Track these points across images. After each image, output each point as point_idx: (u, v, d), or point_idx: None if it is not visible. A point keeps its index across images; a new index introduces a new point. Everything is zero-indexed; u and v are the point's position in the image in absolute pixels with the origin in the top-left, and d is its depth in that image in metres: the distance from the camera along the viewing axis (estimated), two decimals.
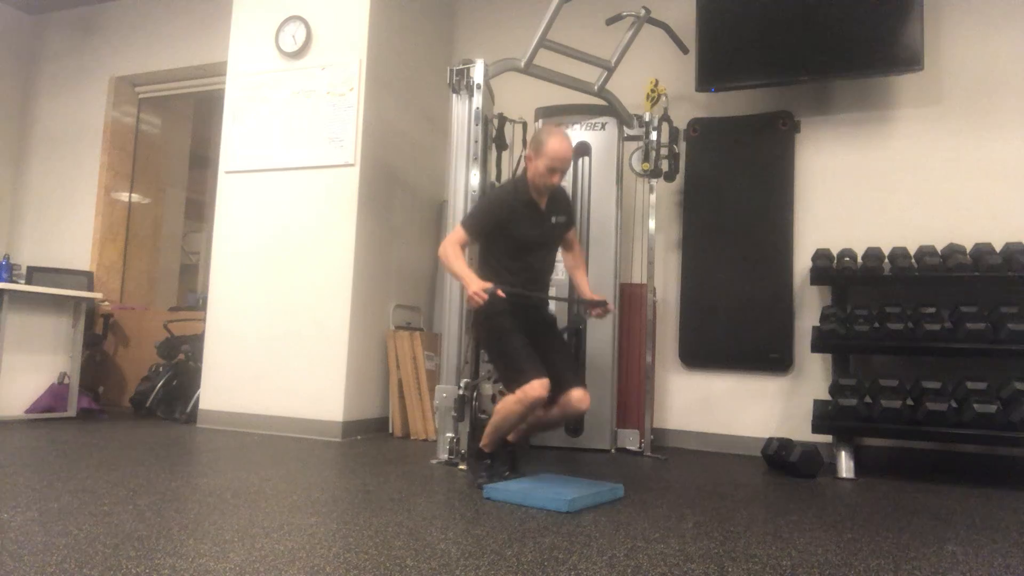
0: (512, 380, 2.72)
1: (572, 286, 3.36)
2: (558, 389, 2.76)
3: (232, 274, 4.42)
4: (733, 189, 4.29)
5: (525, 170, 2.92)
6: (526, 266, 2.91)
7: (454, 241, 2.87)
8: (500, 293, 2.69)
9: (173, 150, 6.52)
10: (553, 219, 2.96)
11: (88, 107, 5.90)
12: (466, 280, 2.74)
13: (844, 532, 2.26)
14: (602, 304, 2.99)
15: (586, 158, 4.11)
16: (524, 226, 2.87)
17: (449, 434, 3.24)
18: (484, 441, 2.87)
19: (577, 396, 2.77)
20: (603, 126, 4.08)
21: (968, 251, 3.58)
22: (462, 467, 3.16)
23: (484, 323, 2.88)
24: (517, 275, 2.87)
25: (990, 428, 3.16)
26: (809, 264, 3.91)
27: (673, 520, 2.33)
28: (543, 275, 3.02)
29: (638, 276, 4.30)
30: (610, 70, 3.93)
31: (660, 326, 4.29)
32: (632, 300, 4.12)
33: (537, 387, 2.63)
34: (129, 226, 6.01)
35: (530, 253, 2.91)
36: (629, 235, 4.38)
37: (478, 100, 3.43)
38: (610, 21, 3.96)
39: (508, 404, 2.72)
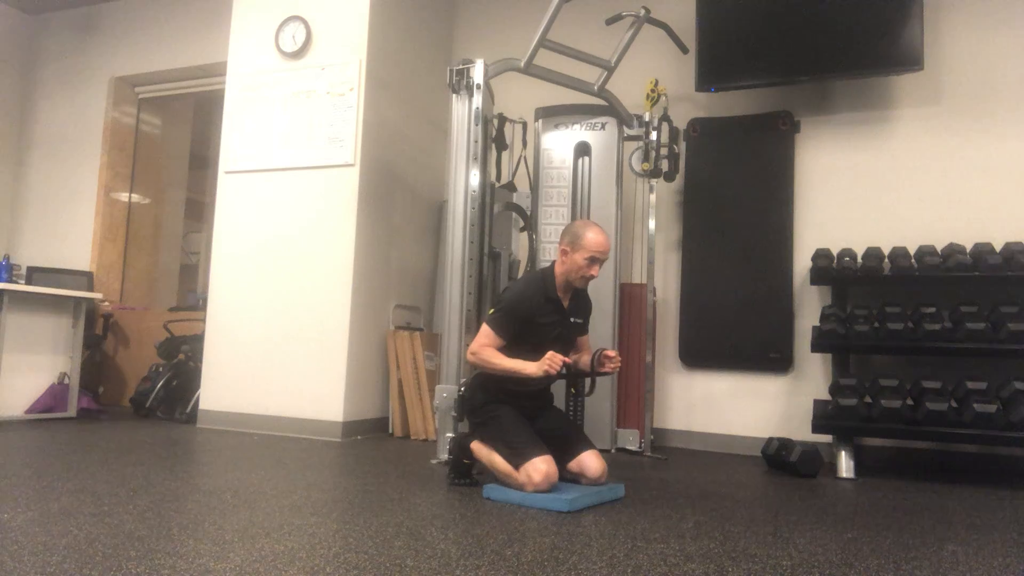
0: (511, 459, 2.61)
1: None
2: (570, 454, 2.70)
3: (232, 274, 4.42)
4: (733, 189, 4.29)
5: (552, 265, 2.84)
6: None
7: (485, 344, 2.71)
8: (567, 359, 2.64)
9: (173, 150, 6.52)
10: (572, 319, 2.88)
11: (88, 107, 5.90)
12: (524, 368, 2.61)
13: (844, 532, 2.25)
14: (601, 353, 2.82)
15: (586, 158, 4.10)
16: (547, 324, 2.76)
17: (449, 434, 3.23)
18: (476, 457, 2.77)
19: (593, 466, 2.67)
20: (603, 126, 4.08)
21: (968, 251, 3.58)
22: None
23: (478, 412, 2.82)
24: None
25: (990, 428, 3.16)
26: (809, 264, 3.92)
27: (673, 520, 2.33)
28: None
29: (638, 276, 4.30)
30: (610, 70, 3.93)
31: (660, 326, 4.29)
32: (632, 300, 4.12)
33: (541, 467, 2.51)
34: (129, 226, 6.01)
35: (547, 350, 2.70)
36: (629, 235, 4.38)
37: (478, 100, 3.43)
38: (610, 21, 3.95)
39: (511, 477, 2.59)
